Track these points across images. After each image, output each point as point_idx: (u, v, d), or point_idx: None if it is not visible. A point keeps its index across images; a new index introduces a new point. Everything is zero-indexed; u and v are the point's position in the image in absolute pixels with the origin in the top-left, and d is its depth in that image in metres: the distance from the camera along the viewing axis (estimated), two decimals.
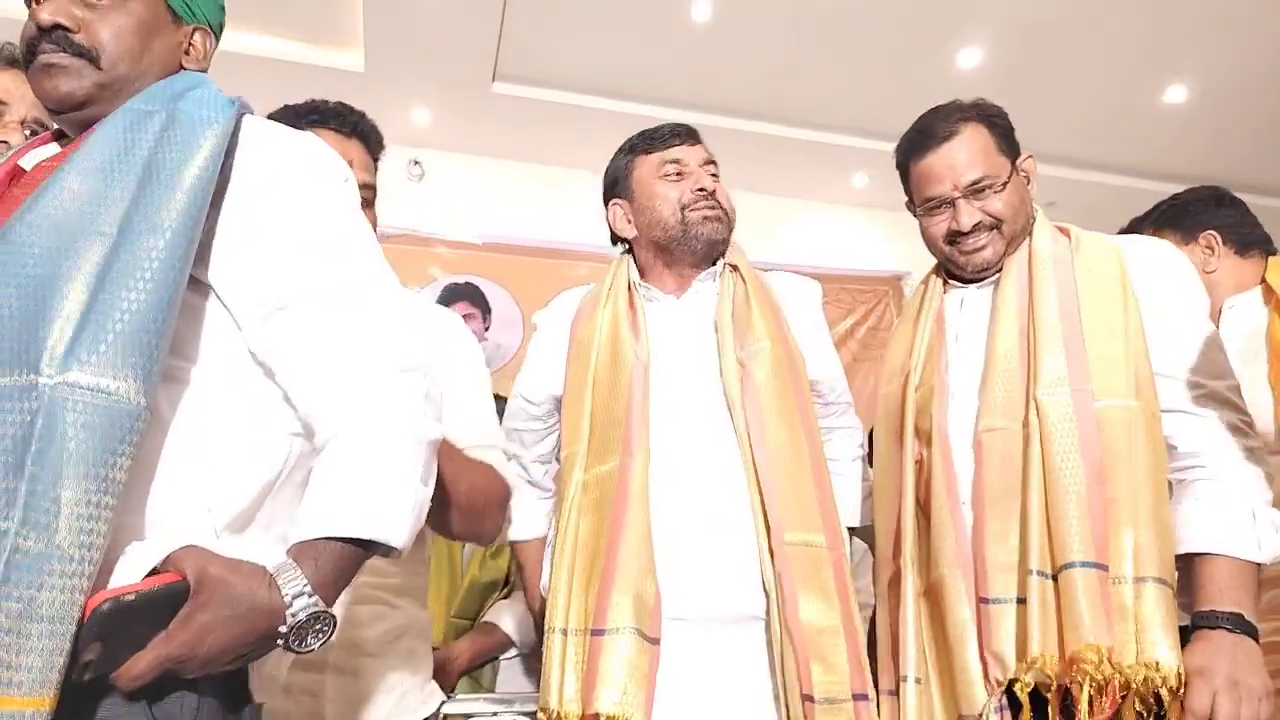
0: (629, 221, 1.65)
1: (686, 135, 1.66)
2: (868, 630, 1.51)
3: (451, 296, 4.56)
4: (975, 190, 1.46)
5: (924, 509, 1.41)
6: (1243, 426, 1.31)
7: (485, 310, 4.62)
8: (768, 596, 1.35)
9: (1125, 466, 1.25)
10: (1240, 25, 4.10)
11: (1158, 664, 1.16)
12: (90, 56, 1.01)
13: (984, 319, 1.48)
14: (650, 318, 1.59)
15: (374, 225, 1.50)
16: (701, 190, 1.58)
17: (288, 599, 0.82)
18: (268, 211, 0.97)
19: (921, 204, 1.52)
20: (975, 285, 1.54)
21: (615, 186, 1.69)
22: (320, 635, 0.85)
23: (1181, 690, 1.15)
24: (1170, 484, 1.31)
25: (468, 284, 4.62)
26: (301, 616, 0.83)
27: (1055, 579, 1.22)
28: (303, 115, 1.53)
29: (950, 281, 1.58)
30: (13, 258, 0.84)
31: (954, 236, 1.48)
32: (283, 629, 0.83)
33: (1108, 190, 5.01)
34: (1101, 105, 4.62)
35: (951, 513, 1.35)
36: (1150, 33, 4.14)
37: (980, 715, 1.24)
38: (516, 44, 4.09)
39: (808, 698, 1.27)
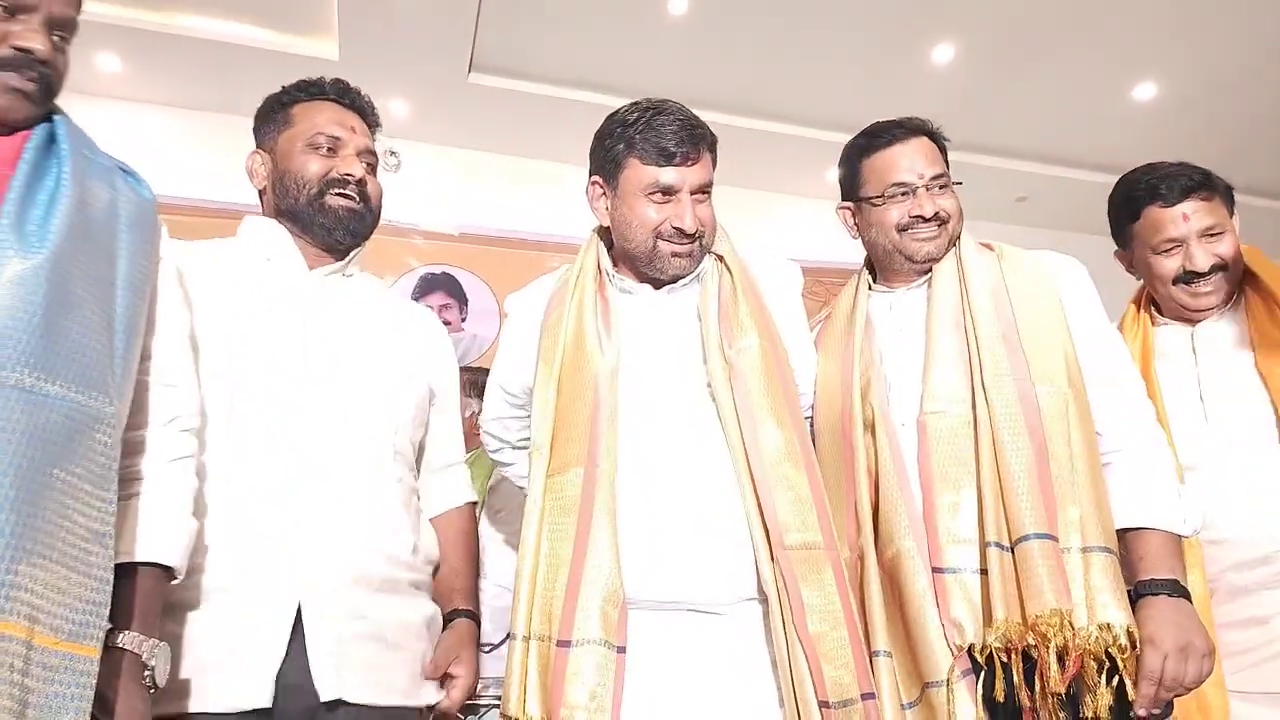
0: (606, 210, 1.58)
1: (691, 150, 1.50)
2: None
3: (428, 287, 4.54)
4: (936, 183, 1.59)
5: (872, 491, 1.49)
6: (1150, 417, 1.50)
7: (462, 301, 4.61)
8: (766, 601, 1.34)
9: (1064, 446, 1.38)
10: (1209, 24, 4.17)
11: (1110, 625, 1.27)
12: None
13: (918, 316, 1.59)
14: (624, 311, 1.53)
15: (380, 194, 1.55)
16: (680, 230, 1.48)
17: (148, 678, 1.04)
18: None
19: (882, 191, 1.61)
20: (904, 288, 1.65)
21: (600, 165, 1.58)
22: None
23: (1133, 650, 1.27)
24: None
25: (444, 274, 4.61)
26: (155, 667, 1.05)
27: (1012, 550, 1.31)
28: (302, 89, 1.55)
29: (874, 287, 1.71)
30: None
31: (911, 224, 1.59)
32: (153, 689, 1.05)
33: (1076, 186, 5.07)
34: (1072, 101, 4.68)
35: (901, 491, 1.43)
36: (1120, 30, 4.19)
37: (946, 681, 1.30)
38: (493, 35, 4.08)
39: (824, 704, 1.27)
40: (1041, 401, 1.40)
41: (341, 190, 1.47)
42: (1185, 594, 1.35)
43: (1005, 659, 1.28)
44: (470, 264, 4.64)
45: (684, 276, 1.55)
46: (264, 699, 1.19)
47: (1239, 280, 1.76)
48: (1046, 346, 1.46)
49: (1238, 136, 4.90)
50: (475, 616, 1.50)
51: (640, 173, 1.50)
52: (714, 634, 1.35)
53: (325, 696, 1.21)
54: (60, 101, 1.17)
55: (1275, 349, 1.65)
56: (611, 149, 1.54)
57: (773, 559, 1.33)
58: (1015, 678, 1.27)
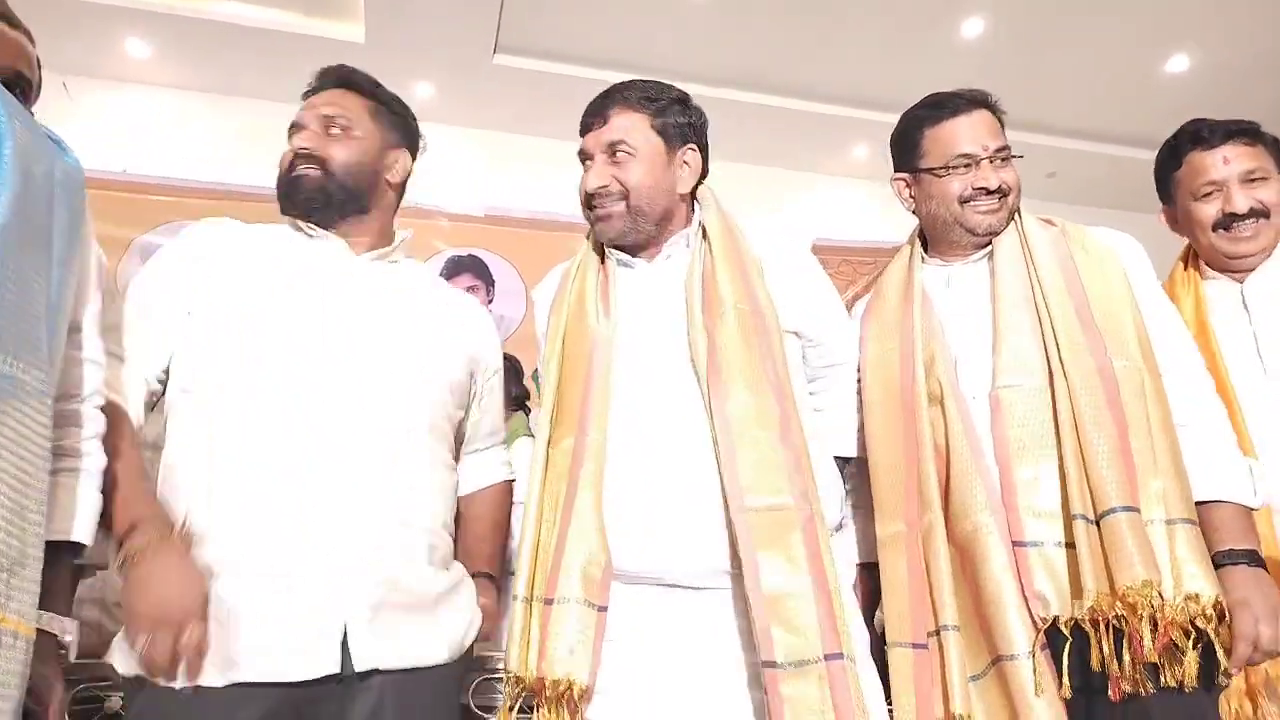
0: None
1: (598, 110, 1.55)
2: (864, 588, 1.57)
3: (455, 269, 4.57)
4: (1000, 156, 1.57)
5: (941, 466, 1.48)
6: (1212, 392, 1.51)
7: (489, 283, 4.63)
8: (733, 564, 1.35)
9: (1142, 420, 1.39)
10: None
11: (1198, 596, 1.28)
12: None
13: (980, 290, 1.57)
14: (622, 285, 1.58)
15: (352, 156, 1.52)
16: (588, 194, 1.54)
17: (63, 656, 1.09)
18: None
19: (945, 163, 1.59)
20: (961, 262, 1.63)
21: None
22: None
23: (1220, 620, 1.28)
24: None
25: (471, 256, 4.62)
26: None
27: (1098, 524, 1.32)
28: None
29: (928, 259, 1.68)
30: None
31: (974, 195, 1.57)
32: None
33: (1107, 161, 5.01)
34: (1103, 75, 4.61)
35: (977, 465, 1.43)
36: (1152, 1, 4.12)
37: (1028, 653, 1.31)
38: (517, 16, 4.08)
39: (769, 664, 1.27)
40: (1119, 375, 1.41)
41: (294, 164, 1.49)
42: (1263, 564, 1.36)
43: (1094, 630, 1.29)
44: (496, 246, 4.66)
45: (621, 242, 1.57)
46: (331, 666, 1.23)
47: None
48: (1119, 322, 1.46)
49: (1273, 109, 4.80)
50: (494, 578, 1.57)
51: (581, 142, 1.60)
52: (693, 609, 1.37)
53: (360, 667, 1.25)
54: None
55: None
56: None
57: (731, 524, 1.34)
58: (1106, 648, 1.28)
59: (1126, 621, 1.27)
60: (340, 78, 1.57)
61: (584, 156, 1.57)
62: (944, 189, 1.59)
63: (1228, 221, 1.73)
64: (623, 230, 1.54)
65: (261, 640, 1.22)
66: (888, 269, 1.74)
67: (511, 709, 1.36)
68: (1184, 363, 1.51)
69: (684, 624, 1.37)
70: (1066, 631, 1.30)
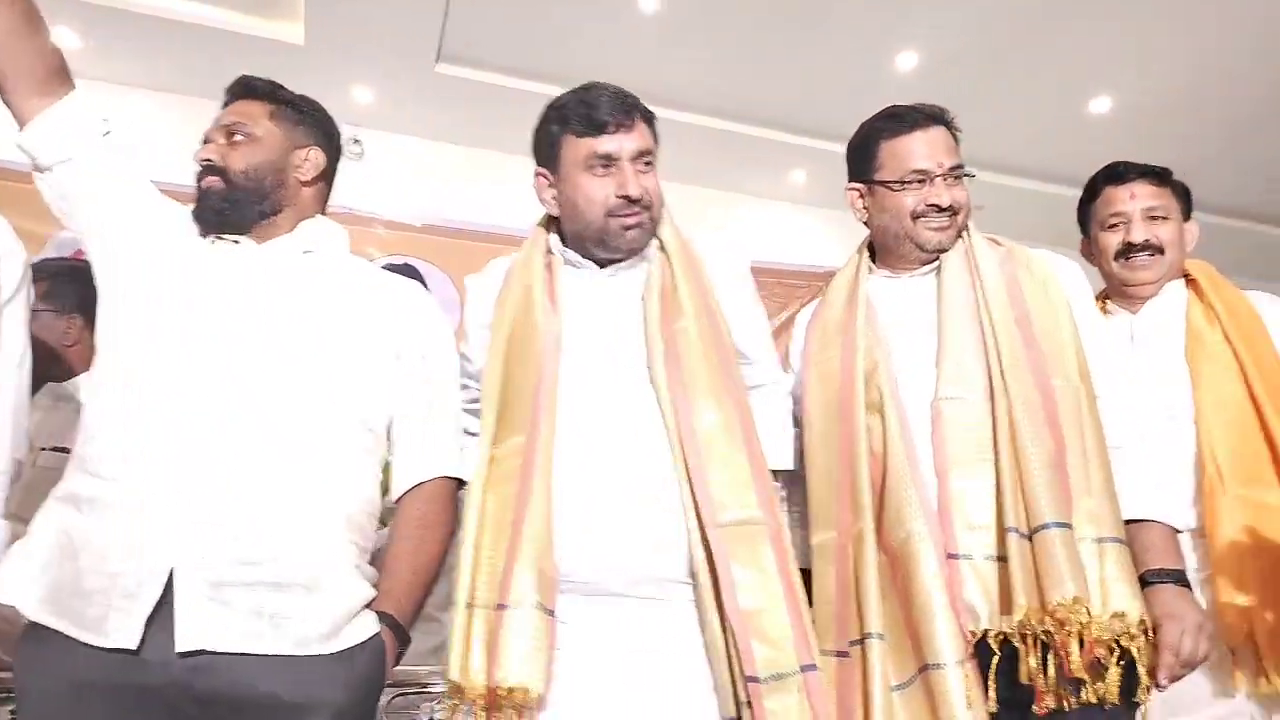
0: (554, 200, 1.57)
1: (624, 117, 1.50)
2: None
3: None
4: (953, 174, 1.60)
5: (871, 475, 1.48)
6: (1139, 416, 1.57)
7: None
8: (695, 578, 1.34)
9: (1078, 439, 1.42)
10: (1157, 43, 4.29)
11: (1124, 614, 1.32)
12: None
13: (926, 303, 1.60)
14: (570, 286, 1.55)
15: (248, 161, 1.51)
16: (626, 197, 1.48)
17: None
18: None
19: (901, 177, 1.60)
20: (909, 274, 1.66)
21: (541, 155, 1.58)
22: None
23: (1145, 638, 1.33)
24: None
25: (406, 265, 4.54)
26: None
27: (1031, 538, 1.34)
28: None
29: (875, 270, 1.70)
30: None
31: (926, 212, 1.59)
32: None
33: (1034, 196, 5.18)
34: (1031, 113, 4.78)
35: (913, 474, 1.43)
36: (1077, 45, 4.30)
37: (955, 662, 1.31)
38: (462, 24, 4.06)
39: (752, 679, 1.27)
40: (1058, 394, 1.43)
41: (200, 176, 1.52)
42: (1189, 585, 1.43)
43: (1021, 644, 1.31)
44: (433, 256, 4.60)
45: (639, 250, 1.55)
46: (131, 641, 1.19)
47: (1178, 272, 1.93)
48: (1059, 343, 1.50)
49: (1187, 152, 5.02)
50: (396, 625, 1.38)
51: (577, 147, 1.50)
52: (646, 621, 1.36)
53: (181, 647, 1.19)
54: None
55: (1201, 342, 1.82)
56: (548, 134, 1.55)
57: (705, 538, 1.33)
58: (1033, 662, 1.29)
59: (1053, 636, 1.28)
60: (242, 88, 1.59)
61: (606, 159, 1.49)
62: (898, 203, 1.61)
63: (1127, 250, 1.88)
64: (641, 241, 1.53)
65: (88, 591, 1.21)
66: (835, 277, 1.75)
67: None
68: (1119, 387, 1.56)
69: (638, 635, 1.35)
70: (995, 645, 1.32)
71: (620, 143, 1.49)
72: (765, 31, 4.15)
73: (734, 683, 1.30)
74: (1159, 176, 1.93)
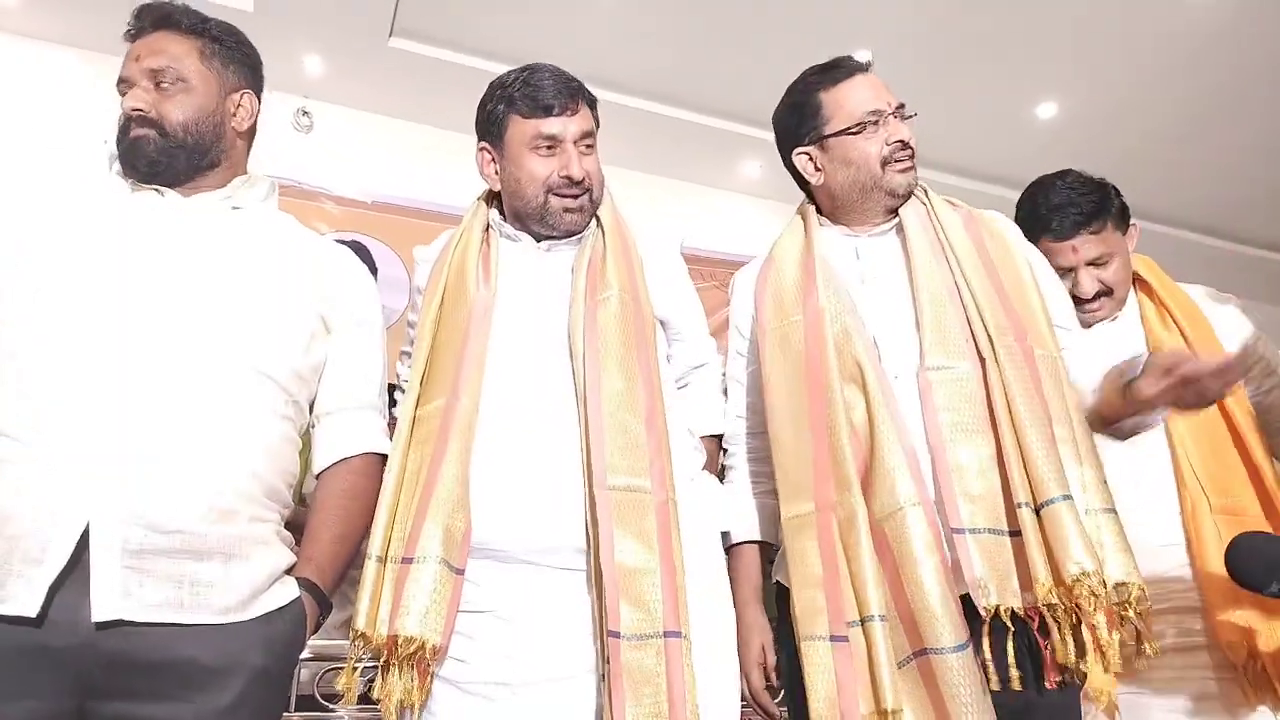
0: (496, 175, 1.60)
1: (569, 100, 1.54)
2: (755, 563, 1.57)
3: None
4: (902, 113, 1.57)
5: (859, 446, 1.41)
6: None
7: (372, 270, 4.51)
8: (589, 540, 1.37)
9: (1062, 408, 1.38)
10: (1101, 53, 4.41)
11: (1126, 584, 1.28)
12: None
13: (894, 264, 1.54)
14: (507, 259, 1.58)
15: (179, 112, 1.41)
16: (568, 178, 1.53)
17: None
18: None
19: (857, 121, 1.54)
20: (867, 233, 1.59)
21: (487, 131, 1.61)
22: None
23: (1141, 607, 1.28)
24: None
25: (354, 242, 4.50)
26: None
27: (1039, 512, 1.29)
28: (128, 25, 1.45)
29: (833, 226, 1.62)
30: None
31: (893, 154, 1.54)
32: None
33: (982, 199, 5.25)
34: (979, 115, 4.87)
35: (904, 449, 1.37)
36: (1026, 50, 4.40)
37: (958, 645, 1.25)
38: (417, 0, 4.00)
39: (613, 634, 1.29)
40: (1039, 361, 1.40)
41: (129, 126, 1.40)
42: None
43: (1033, 619, 1.27)
44: (382, 233, 4.55)
45: (577, 232, 1.58)
46: (30, 608, 1.11)
47: (1128, 291, 1.88)
48: (1031, 309, 1.46)
49: (1129, 160, 5.18)
50: (316, 590, 1.35)
51: (523, 127, 1.54)
52: (555, 589, 1.38)
53: (98, 617, 1.13)
54: None
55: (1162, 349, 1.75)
56: (493, 111, 1.58)
57: (592, 500, 1.36)
58: (1055, 635, 1.26)
59: (1082, 610, 1.24)
60: (160, 17, 1.43)
61: (551, 140, 1.53)
62: (864, 150, 1.54)
63: (1077, 302, 1.80)
64: (580, 223, 1.57)
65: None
66: (779, 237, 1.66)
67: (355, 670, 1.33)
68: (1077, 341, 1.55)
69: (544, 602, 1.37)
70: (1007, 620, 1.27)
71: (565, 125, 1.54)
72: (719, 24, 4.17)
73: (602, 633, 1.32)
74: (1098, 219, 1.81)
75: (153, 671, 1.16)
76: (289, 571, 1.34)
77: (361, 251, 4.55)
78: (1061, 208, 1.80)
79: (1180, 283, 1.92)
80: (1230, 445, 1.71)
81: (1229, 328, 1.81)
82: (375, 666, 1.33)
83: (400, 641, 1.29)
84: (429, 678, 1.31)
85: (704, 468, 1.60)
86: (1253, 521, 1.63)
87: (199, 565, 1.21)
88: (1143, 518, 1.62)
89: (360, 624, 1.34)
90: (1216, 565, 1.55)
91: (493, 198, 1.67)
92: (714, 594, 1.47)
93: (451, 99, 4.54)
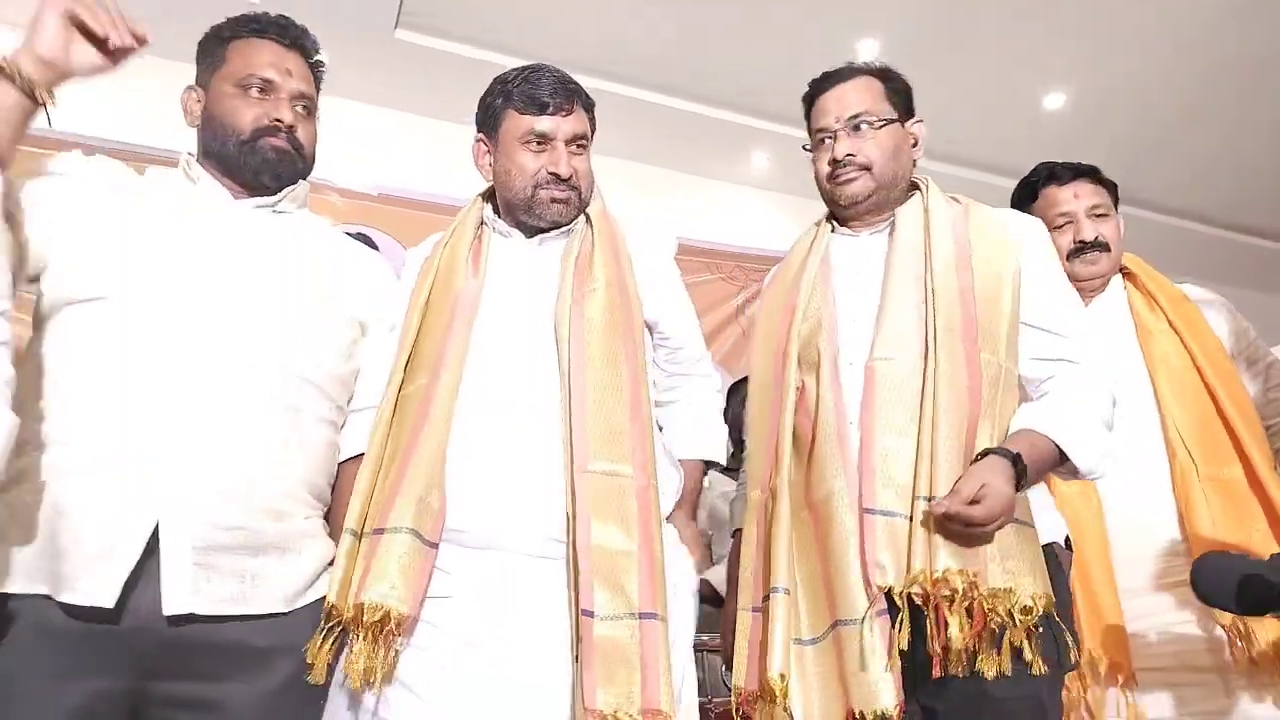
0: (489, 166, 1.65)
1: (565, 101, 1.58)
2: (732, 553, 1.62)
3: None
4: (854, 125, 1.59)
5: (802, 433, 1.49)
6: (1096, 372, 1.51)
7: None
8: (568, 527, 1.38)
9: (989, 418, 1.42)
10: (1114, 45, 4.38)
11: (1011, 590, 1.30)
12: None
13: (878, 262, 1.59)
14: (497, 251, 1.61)
15: (314, 141, 1.55)
16: (555, 175, 1.56)
17: None
18: None
19: (813, 139, 1.64)
20: (867, 232, 1.65)
21: (484, 123, 1.65)
22: None
23: (1034, 613, 1.29)
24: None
25: (360, 234, 4.50)
26: None
27: (930, 504, 1.33)
28: (242, 24, 1.52)
29: (840, 229, 1.69)
30: None
31: (831, 171, 1.60)
32: None
33: (986, 189, 5.26)
34: (987, 105, 4.85)
35: (840, 431, 1.44)
36: (1036, 40, 4.37)
37: (861, 619, 1.31)
38: None
39: (586, 613, 1.30)
40: (984, 367, 1.43)
41: (272, 135, 1.47)
42: (1017, 462, 1.35)
43: (921, 606, 1.30)
44: (387, 225, 4.54)
45: (562, 224, 1.61)
46: (107, 600, 1.18)
47: (1118, 266, 2.01)
48: (996, 313, 1.48)
49: (1133, 144, 5.16)
50: None
51: (517, 122, 1.58)
52: (530, 577, 1.38)
53: (169, 610, 1.21)
54: None
55: (1150, 331, 1.91)
56: (491, 105, 1.63)
57: (572, 485, 1.37)
58: (930, 626, 1.28)
59: (950, 602, 1.27)
60: (296, 39, 1.53)
61: (542, 137, 1.57)
62: (818, 168, 1.64)
63: (1080, 249, 1.94)
64: (565, 215, 1.59)
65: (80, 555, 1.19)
66: (800, 236, 1.76)
67: (323, 644, 1.32)
68: (1066, 338, 1.52)
69: (517, 588, 1.37)
70: (901, 603, 1.31)
71: (557, 124, 1.58)
72: (727, 12, 4.15)
73: (576, 611, 1.33)
74: (1096, 175, 2.01)
75: (210, 655, 1.25)
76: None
77: (367, 244, 4.55)
78: (1064, 164, 2.01)
79: (1187, 278, 2.06)
80: (1213, 413, 1.81)
81: (1217, 322, 1.96)
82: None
83: (366, 608, 1.30)
84: (393, 648, 1.31)
85: (680, 494, 1.59)
86: (1239, 482, 1.74)
87: (257, 560, 1.30)
88: (1140, 493, 1.75)
89: (331, 595, 1.35)
90: (1208, 533, 1.67)
91: (490, 195, 1.71)
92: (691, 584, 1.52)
93: (457, 91, 4.52)
